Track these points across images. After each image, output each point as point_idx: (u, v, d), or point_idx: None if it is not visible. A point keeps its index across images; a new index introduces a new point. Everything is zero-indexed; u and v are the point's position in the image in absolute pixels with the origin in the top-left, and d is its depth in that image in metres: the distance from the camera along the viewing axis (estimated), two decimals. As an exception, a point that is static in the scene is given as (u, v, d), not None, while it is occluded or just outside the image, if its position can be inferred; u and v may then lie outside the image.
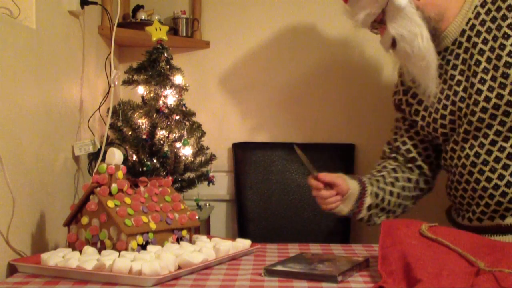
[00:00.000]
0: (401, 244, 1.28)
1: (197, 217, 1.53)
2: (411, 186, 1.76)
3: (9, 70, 1.38)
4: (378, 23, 1.63)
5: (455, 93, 1.61)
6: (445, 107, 1.64)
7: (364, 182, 1.70)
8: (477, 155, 1.58)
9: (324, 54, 2.53)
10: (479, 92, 1.55)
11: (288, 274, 1.26)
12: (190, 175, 2.20)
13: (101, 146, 1.93)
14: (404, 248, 1.26)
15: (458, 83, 1.60)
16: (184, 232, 1.50)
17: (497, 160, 1.55)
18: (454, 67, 1.62)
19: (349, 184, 1.67)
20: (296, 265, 1.32)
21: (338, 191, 1.65)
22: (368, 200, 1.69)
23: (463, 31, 1.60)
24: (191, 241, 1.51)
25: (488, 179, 1.56)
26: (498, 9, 1.55)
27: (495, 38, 1.53)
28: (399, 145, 1.80)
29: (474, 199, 1.61)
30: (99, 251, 1.35)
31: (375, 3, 1.59)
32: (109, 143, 2.04)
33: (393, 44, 1.62)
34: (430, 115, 1.68)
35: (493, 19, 1.55)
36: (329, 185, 1.65)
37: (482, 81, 1.54)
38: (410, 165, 1.78)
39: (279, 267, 1.29)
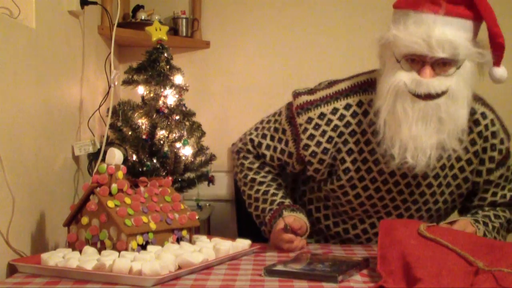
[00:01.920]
0: (400, 244, 1.28)
1: (197, 217, 1.53)
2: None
3: (9, 70, 1.38)
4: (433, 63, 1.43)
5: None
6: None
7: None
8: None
9: (324, 54, 2.53)
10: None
11: (288, 274, 1.26)
12: (190, 175, 2.20)
13: (101, 146, 1.93)
14: (403, 248, 1.26)
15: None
16: (184, 232, 1.50)
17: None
18: None
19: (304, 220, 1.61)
20: (296, 265, 1.32)
21: (302, 233, 1.58)
22: None
23: None
24: (191, 241, 1.51)
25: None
26: None
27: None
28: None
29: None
30: (99, 251, 1.35)
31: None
32: (109, 143, 2.03)
33: (429, 96, 1.43)
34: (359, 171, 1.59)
35: None
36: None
37: None
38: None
39: (279, 267, 1.29)
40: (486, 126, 1.59)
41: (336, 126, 1.58)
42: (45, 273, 1.28)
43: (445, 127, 1.44)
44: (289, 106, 1.67)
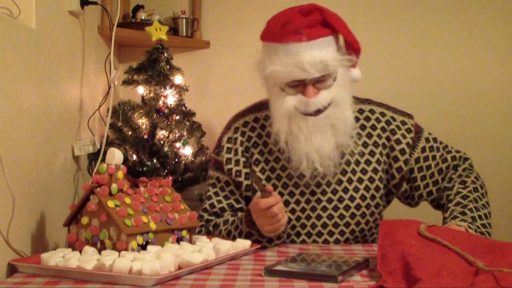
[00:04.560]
0: (400, 244, 1.28)
1: (197, 217, 1.53)
2: None
3: (9, 70, 1.38)
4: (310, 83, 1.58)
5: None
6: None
7: None
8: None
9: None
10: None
11: (288, 274, 1.26)
12: (190, 175, 2.21)
13: (101, 146, 1.93)
14: (403, 248, 1.26)
15: None
16: (184, 232, 1.50)
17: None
18: None
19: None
20: (296, 265, 1.32)
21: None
22: None
23: None
24: (191, 241, 1.51)
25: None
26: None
27: None
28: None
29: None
30: (99, 251, 1.35)
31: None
32: (109, 143, 2.04)
33: (318, 111, 1.58)
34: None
35: None
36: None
37: None
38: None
39: (279, 267, 1.29)
40: (377, 119, 1.75)
41: (242, 142, 1.74)
42: (45, 273, 1.28)
43: (338, 130, 1.62)
44: (210, 162, 1.82)
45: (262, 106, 1.77)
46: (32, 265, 1.30)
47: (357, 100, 1.74)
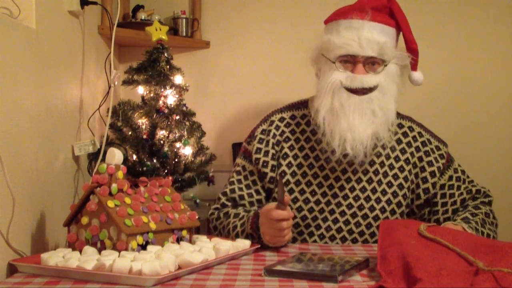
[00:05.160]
0: (400, 244, 1.28)
1: (197, 217, 1.53)
2: None
3: (9, 70, 1.38)
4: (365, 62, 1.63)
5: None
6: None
7: None
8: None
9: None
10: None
11: (288, 274, 1.26)
12: (190, 175, 2.21)
13: (101, 146, 1.93)
14: (403, 248, 1.26)
15: None
16: (184, 232, 1.50)
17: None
18: None
19: None
20: (296, 265, 1.32)
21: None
22: None
23: None
24: (191, 241, 1.51)
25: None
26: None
27: None
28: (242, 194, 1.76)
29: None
30: (99, 251, 1.35)
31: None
32: (109, 143, 2.04)
33: (362, 90, 1.61)
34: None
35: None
36: None
37: None
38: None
39: (279, 267, 1.29)
40: (414, 138, 1.77)
41: (274, 135, 1.77)
42: (45, 273, 1.28)
43: (377, 119, 1.61)
44: (241, 149, 1.85)
45: (301, 105, 1.81)
46: (32, 265, 1.30)
47: (398, 115, 1.75)
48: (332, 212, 1.70)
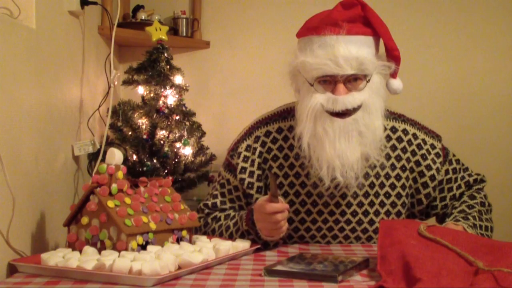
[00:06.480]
0: (400, 244, 1.28)
1: (197, 217, 1.53)
2: None
3: (9, 70, 1.38)
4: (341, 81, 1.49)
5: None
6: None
7: None
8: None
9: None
10: None
11: (288, 274, 1.26)
12: (190, 175, 2.21)
13: (101, 146, 1.93)
14: (403, 248, 1.26)
15: None
16: (184, 232, 1.50)
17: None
18: None
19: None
20: (296, 265, 1.32)
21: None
22: None
23: None
24: (191, 241, 1.51)
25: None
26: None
27: None
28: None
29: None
30: (99, 251, 1.35)
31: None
32: (109, 143, 2.04)
33: (344, 112, 1.48)
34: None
35: None
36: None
37: None
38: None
39: (279, 267, 1.29)
40: (409, 142, 1.67)
41: (260, 153, 1.66)
42: (45, 273, 1.28)
43: (365, 139, 1.51)
44: (224, 160, 1.73)
45: (287, 114, 1.67)
46: (32, 265, 1.30)
47: (390, 114, 1.66)
48: (330, 229, 1.64)
